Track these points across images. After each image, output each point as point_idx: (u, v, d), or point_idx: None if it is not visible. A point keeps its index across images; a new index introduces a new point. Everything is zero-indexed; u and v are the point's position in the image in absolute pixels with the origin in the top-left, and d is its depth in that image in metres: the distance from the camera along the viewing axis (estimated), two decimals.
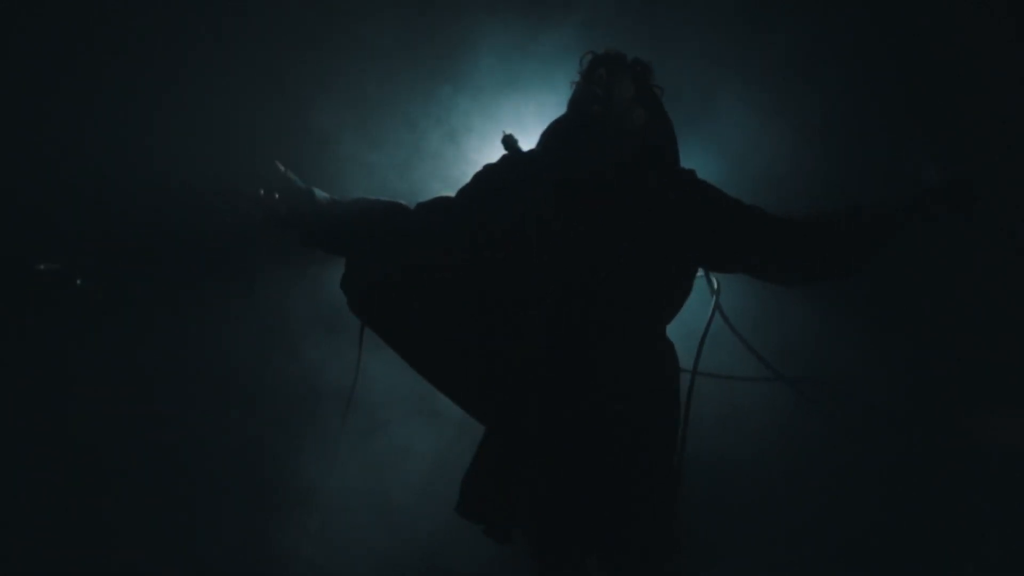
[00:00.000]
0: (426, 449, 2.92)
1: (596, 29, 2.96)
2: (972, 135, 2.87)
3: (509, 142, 2.24)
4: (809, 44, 2.97)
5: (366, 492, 2.89)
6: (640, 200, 2.08)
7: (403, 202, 2.23)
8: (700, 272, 2.24)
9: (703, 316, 2.29)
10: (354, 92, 3.08)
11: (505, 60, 3.04)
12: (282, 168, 2.09)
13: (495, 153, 2.30)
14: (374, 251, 2.14)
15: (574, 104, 2.21)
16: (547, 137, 2.22)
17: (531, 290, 2.03)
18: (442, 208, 2.19)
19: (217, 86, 3.00)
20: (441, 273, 2.11)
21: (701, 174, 2.21)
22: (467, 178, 2.26)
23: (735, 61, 2.98)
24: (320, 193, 2.15)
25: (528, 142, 2.30)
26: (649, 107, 2.21)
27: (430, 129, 3.08)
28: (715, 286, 2.33)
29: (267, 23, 3.06)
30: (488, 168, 2.23)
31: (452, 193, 2.25)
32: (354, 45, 3.09)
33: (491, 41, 3.04)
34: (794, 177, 2.90)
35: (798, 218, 2.11)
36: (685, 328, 2.25)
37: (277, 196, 2.07)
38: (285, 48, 3.08)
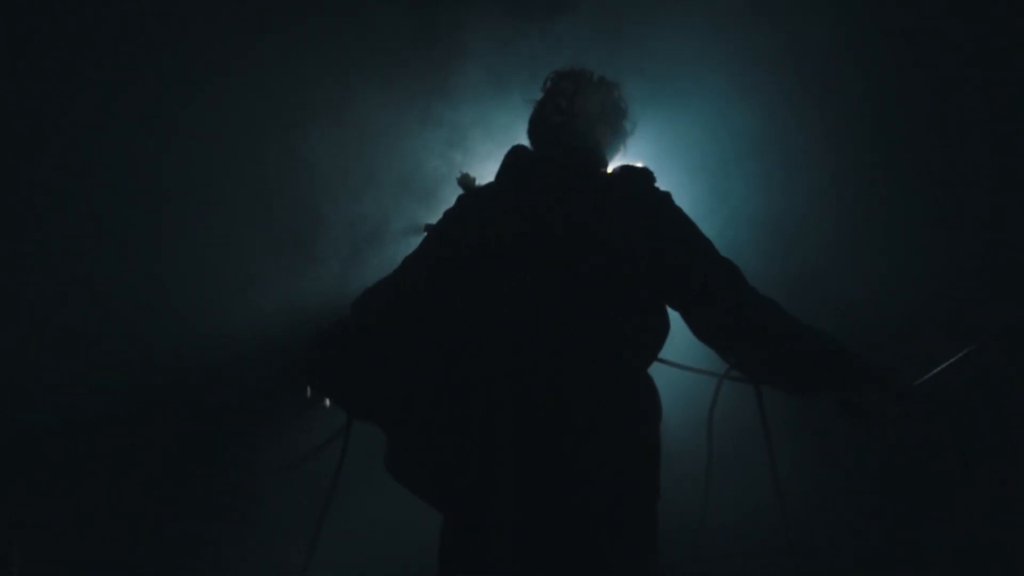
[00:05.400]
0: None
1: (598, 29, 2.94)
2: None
3: (464, 181, 2.19)
4: (800, 45, 2.90)
5: None
6: (602, 226, 1.91)
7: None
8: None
9: None
10: (345, 112, 3.05)
11: (494, 70, 2.97)
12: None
13: (489, 168, 2.26)
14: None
15: (535, 116, 2.11)
16: (504, 168, 2.10)
17: (495, 328, 1.86)
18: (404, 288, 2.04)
19: (209, 112, 2.99)
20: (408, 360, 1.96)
21: (688, 168, 2.13)
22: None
23: (723, 65, 2.90)
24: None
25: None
26: (614, 126, 2.12)
27: (423, 146, 3.02)
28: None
29: (256, 45, 3.03)
30: (446, 215, 2.11)
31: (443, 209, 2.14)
32: (345, 61, 3.06)
33: (479, 49, 2.98)
34: (772, 180, 2.85)
35: (760, 303, 1.84)
36: None
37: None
38: (275, 71, 3.05)
